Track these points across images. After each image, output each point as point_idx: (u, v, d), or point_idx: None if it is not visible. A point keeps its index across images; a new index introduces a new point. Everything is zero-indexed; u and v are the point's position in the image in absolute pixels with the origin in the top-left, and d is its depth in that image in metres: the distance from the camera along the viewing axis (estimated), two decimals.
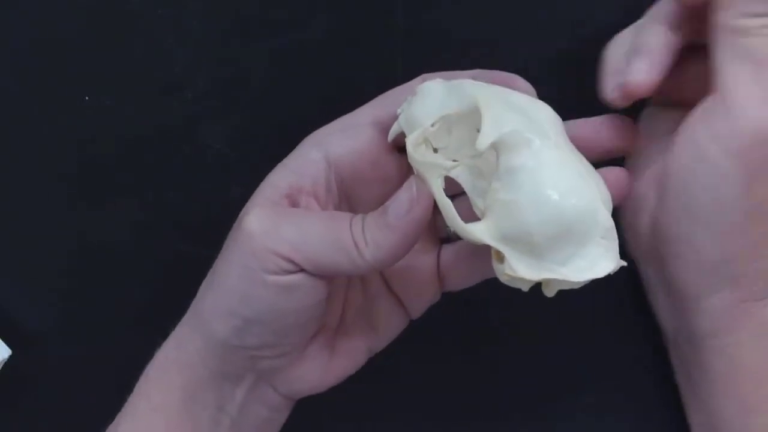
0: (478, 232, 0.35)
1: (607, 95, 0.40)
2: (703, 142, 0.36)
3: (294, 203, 0.39)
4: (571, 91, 0.43)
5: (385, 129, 0.39)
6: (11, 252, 0.47)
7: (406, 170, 0.40)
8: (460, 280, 0.42)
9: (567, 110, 0.39)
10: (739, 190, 0.36)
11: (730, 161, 0.36)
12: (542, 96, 0.39)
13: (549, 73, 0.45)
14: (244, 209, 0.39)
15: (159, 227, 0.47)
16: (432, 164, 0.36)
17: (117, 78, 0.45)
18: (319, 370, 0.40)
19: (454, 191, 0.38)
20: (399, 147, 0.40)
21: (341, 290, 0.41)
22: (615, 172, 0.39)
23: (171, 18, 0.45)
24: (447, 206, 0.36)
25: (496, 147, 0.35)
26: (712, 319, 0.39)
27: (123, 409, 0.40)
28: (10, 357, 0.46)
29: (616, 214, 0.38)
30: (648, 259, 0.42)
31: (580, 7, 0.44)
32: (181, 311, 0.40)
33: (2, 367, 0.46)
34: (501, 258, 0.35)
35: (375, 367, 0.42)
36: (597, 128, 0.40)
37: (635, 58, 0.38)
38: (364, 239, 0.36)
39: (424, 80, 0.40)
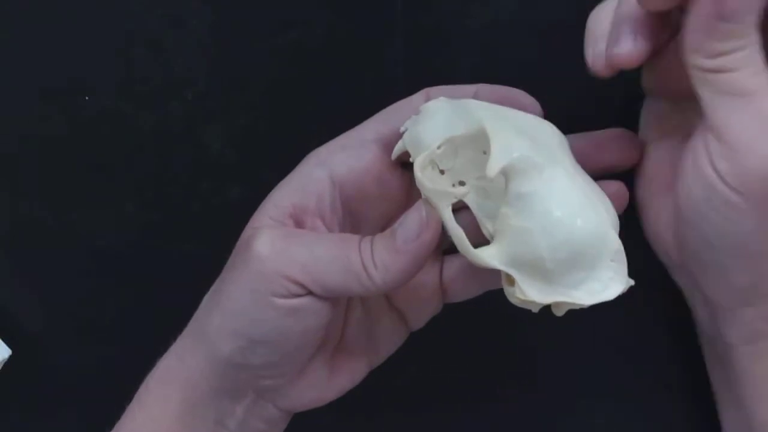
0: (489, 257, 0.35)
1: (591, 65, 0.38)
2: (711, 179, 0.35)
3: (299, 223, 0.39)
4: (573, 93, 0.43)
5: (388, 146, 0.39)
6: (11, 252, 0.47)
7: (410, 187, 0.40)
8: (463, 292, 0.42)
9: (569, 115, 0.39)
10: (757, 221, 0.35)
11: (741, 197, 0.35)
12: (543, 99, 0.39)
13: (550, 73, 0.45)
14: (248, 229, 0.39)
15: (159, 227, 0.47)
16: (442, 192, 0.36)
17: (117, 78, 0.45)
18: (319, 387, 0.40)
19: (455, 207, 0.38)
20: (402, 163, 0.40)
21: (342, 308, 0.41)
22: (614, 186, 0.39)
23: (171, 18, 0.45)
24: (458, 235, 0.36)
25: (505, 173, 0.35)
26: (747, 327, 0.39)
27: (121, 419, 0.40)
28: (10, 357, 0.46)
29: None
30: (678, 270, 0.41)
31: (588, 7, 0.44)
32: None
33: (2, 367, 0.46)
34: (512, 281, 0.36)
35: (372, 371, 0.42)
36: (601, 143, 0.40)
37: (620, 28, 0.36)
38: (373, 262, 0.36)
39: (427, 95, 0.39)
